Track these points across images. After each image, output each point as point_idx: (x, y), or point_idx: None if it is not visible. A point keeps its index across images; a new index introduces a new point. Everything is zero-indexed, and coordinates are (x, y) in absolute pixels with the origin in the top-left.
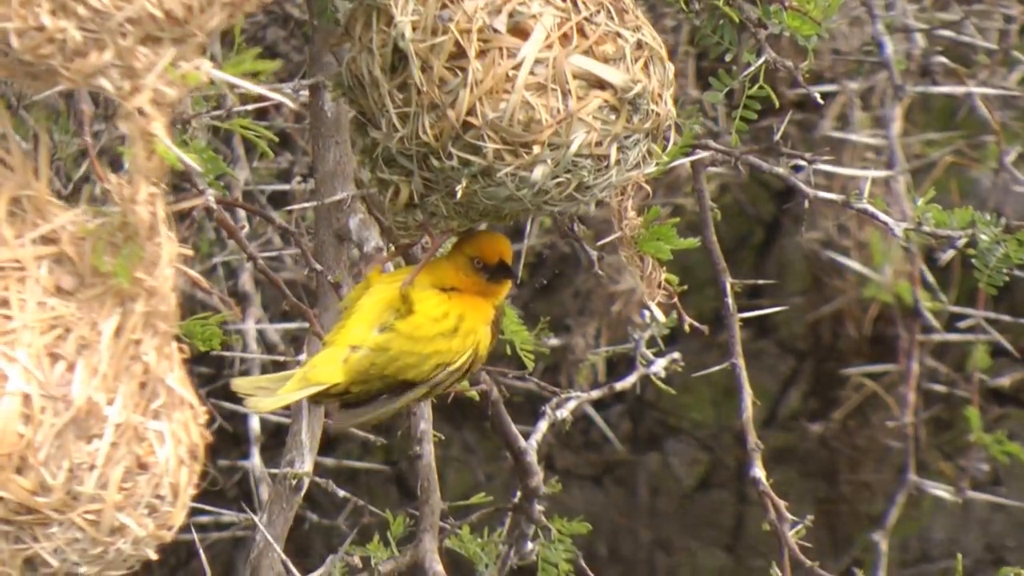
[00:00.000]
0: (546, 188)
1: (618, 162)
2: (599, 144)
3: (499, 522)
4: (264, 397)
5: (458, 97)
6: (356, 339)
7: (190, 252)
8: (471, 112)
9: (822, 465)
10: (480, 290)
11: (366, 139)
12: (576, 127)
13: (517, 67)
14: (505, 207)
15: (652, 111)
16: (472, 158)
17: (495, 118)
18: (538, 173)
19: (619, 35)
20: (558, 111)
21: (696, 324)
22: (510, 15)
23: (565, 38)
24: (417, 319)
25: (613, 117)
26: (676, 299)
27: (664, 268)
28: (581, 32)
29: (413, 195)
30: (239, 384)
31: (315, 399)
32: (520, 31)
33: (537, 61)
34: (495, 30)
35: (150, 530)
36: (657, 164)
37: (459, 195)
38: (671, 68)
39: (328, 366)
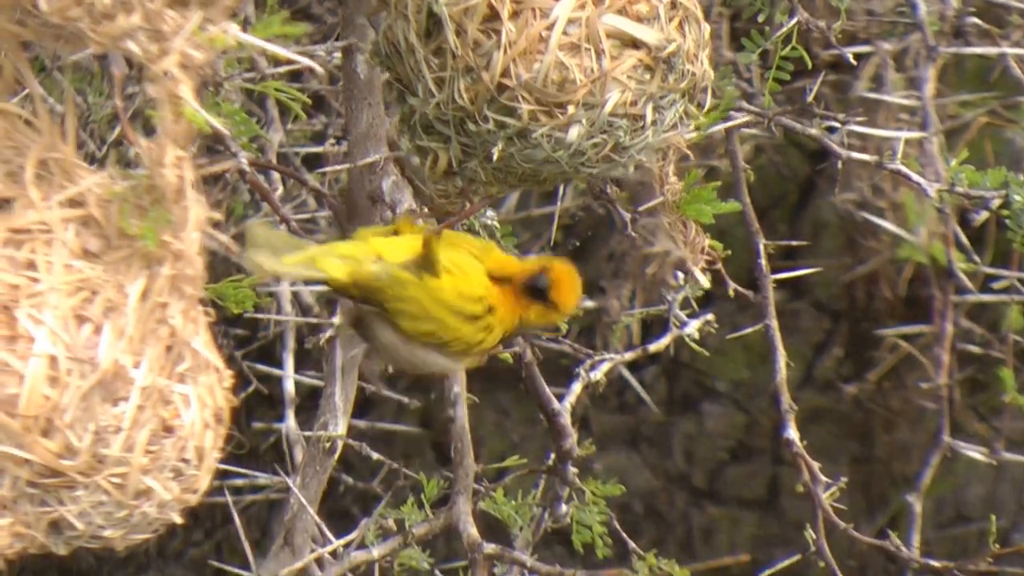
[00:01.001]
0: (582, 149)
1: (654, 122)
2: (634, 104)
3: (533, 484)
4: (266, 257)
5: (492, 59)
6: (384, 254)
7: (219, 216)
8: (505, 74)
9: (857, 426)
10: (523, 304)
11: (404, 106)
12: (610, 86)
13: (550, 27)
14: (543, 170)
15: (688, 70)
16: (508, 120)
17: (529, 79)
18: (573, 133)
19: None
20: (592, 70)
21: (740, 289)
22: None
23: None
24: (445, 286)
25: (648, 76)
26: (720, 264)
27: (706, 233)
28: None
29: (452, 162)
30: (253, 229)
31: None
32: None
33: (570, 21)
34: None
35: (175, 494)
36: (697, 128)
37: (495, 158)
38: (707, 28)
39: (339, 261)
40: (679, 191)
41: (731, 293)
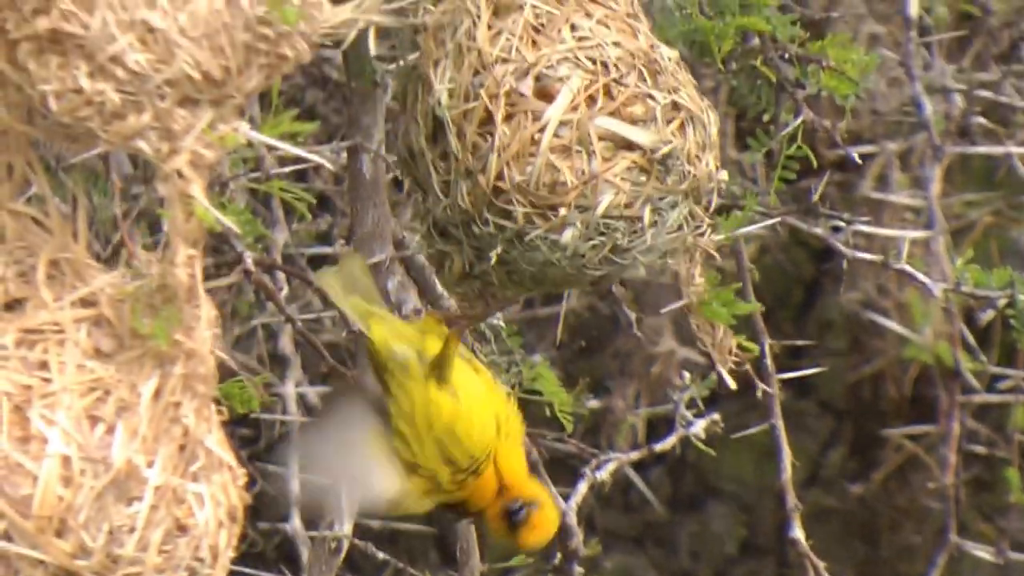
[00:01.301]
0: (580, 251)
1: (654, 223)
2: (628, 205)
3: None
4: (337, 287)
5: (488, 162)
6: (417, 346)
7: (217, 314)
8: (500, 176)
9: (862, 526)
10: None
11: (423, 210)
12: (603, 188)
13: (542, 130)
14: (548, 273)
15: (688, 171)
16: (504, 223)
17: (522, 181)
18: (568, 235)
19: (650, 96)
20: (583, 172)
21: (768, 389)
22: (536, 78)
23: (591, 100)
24: (444, 408)
25: (643, 178)
26: (748, 365)
27: (733, 334)
28: (608, 94)
29: (465, 265)
30: (351, 258)
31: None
32: (547, 94)
33: (562, 123)
34: (521, 94)
35: None
36: (727, 232)
37: (492, 260)
38: (713, 130)
39: (386, 331)
40: (703, 292)
41: (760, 394)
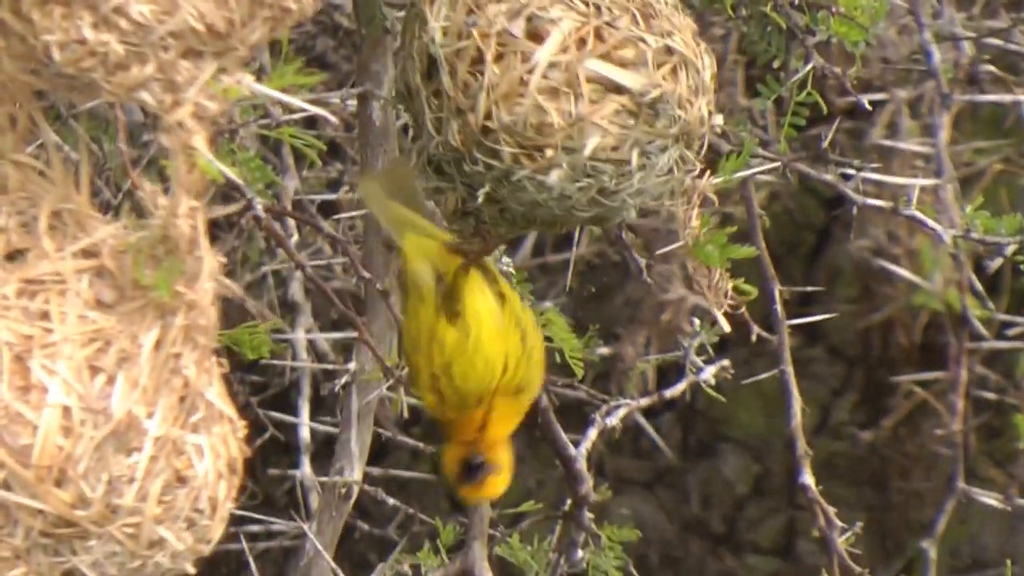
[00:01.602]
0: (568, 193)
1: (643, 167)
2: (616, 148)
3: (549, 530)
4: (377, 194)
5: (477, 101)
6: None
7: (224, 260)
8: (489, 116)
9: (872, 473)
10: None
11: (417, 146)
12: (590, 131)
13: (531, 71)
14: (537, 213)
15: (678, 116)
16: (493, 162)
17: (510, 121)
18: (554, 177)
19: (642, 40)
20: (570, 115)
21: (764, 334)
22: (527, 19)
23: (582, 42)
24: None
25: (632, 121)
26: (744, 309)
27: (730, 276)
28: (599, 36)
29: (459, 202)
30: (397, 165)
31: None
32: (537, 36)
33: (551, 65)
34: (512, 34)
35: (189, 544)
36: (726, 176)
37: (480, 199)
38: (708, 73)
39: (417, 247)
40: (699, 235)
41: (754, 339)
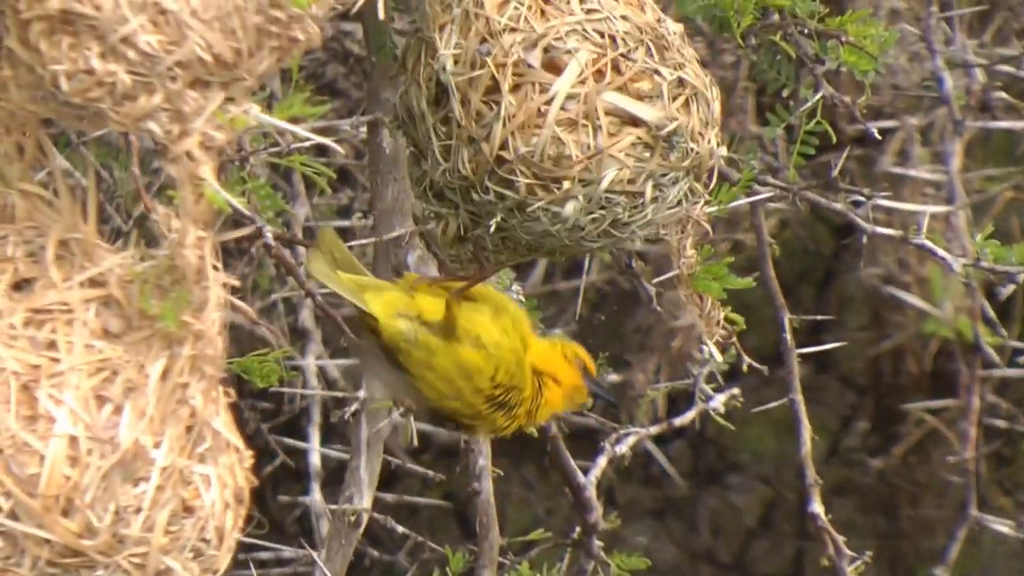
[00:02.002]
0: (580, 224)
1: (655, 199)
2: (632, 181)
3: (559, 558)
4: (323, 265)
5: (492, 131)
6: (425, 312)
7: (236, 282)
8: (504, 146)
9: (882, 500)
10: (566, 390)
11: (418, 172)
12: (607, 163)
13: (549, 102)
14: (546, 243)
15: (691, 149)
16: (506, 192)
17: (526, 152)
18: (569, 208)
19: (657, 72)
20: (588, 147)
21: (754, 363)
22: (545, 50)
23: (599, 74)
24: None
25: (647, 154)
26: (735, 338)
27: (722, 306)
28: (616, 68)
29: (460, 228)
30: (326, 233)
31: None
32: (554, 66)
33: (569, 97)
34: (529, 64)
35: (195, 574)
36: (719, 204)
37: (492, 229)
38: (716, 106)
39: (383, 305)
40: (694, 265)
41: (745, 368)
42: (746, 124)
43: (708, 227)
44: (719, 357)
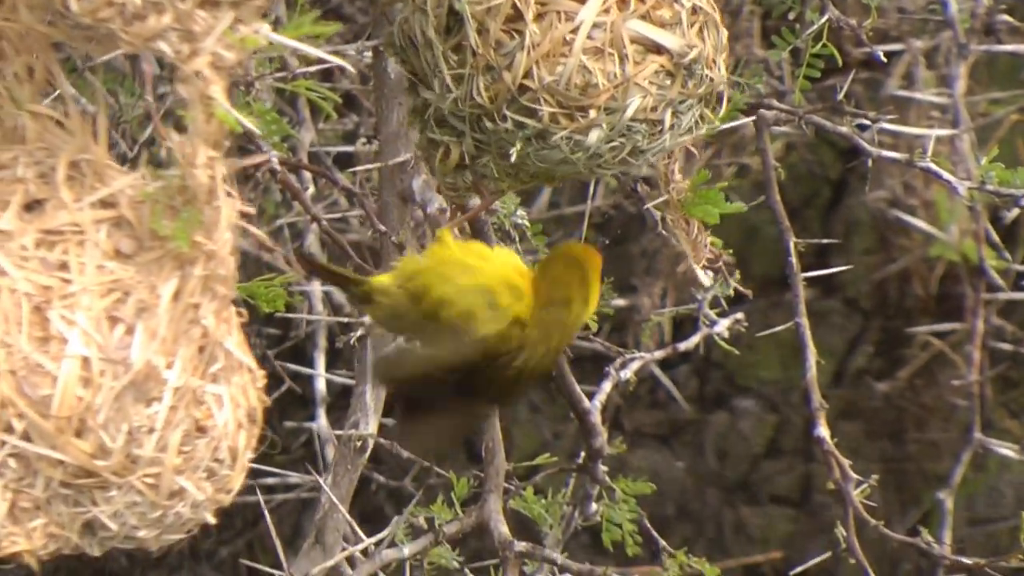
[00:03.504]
0: (600, 152)
1: (672, 127)
2: (654, 109)
3: (564, 483)
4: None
5: (515, 60)
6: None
7: (252, 210)
8: (527, 75)
9: (889, 424)
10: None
11: (417, 99)
12: (632, 92)
13: (575, 31)
14: (557, 170)
15: (706, 76)
16: (527, 121)
17: (552, 81)
18: (593, 137)
19: (676, 0)
20: (615, 76)
21: (741, 288)
22: None
23: (622, 2)
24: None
25: (668, 82)
26: (722, 263)
27: (709, 231)
28: None
29: (463, 156)
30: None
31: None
32: None
33: (595, 25)
34: None
35: (209, 494)
36: (705, 130)
37: (513, 157)
38: (724, 33)
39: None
40: (684, 190)
41: (732, 292)
42: (752, 48)
43: (696, 152)
44: (707, 281)
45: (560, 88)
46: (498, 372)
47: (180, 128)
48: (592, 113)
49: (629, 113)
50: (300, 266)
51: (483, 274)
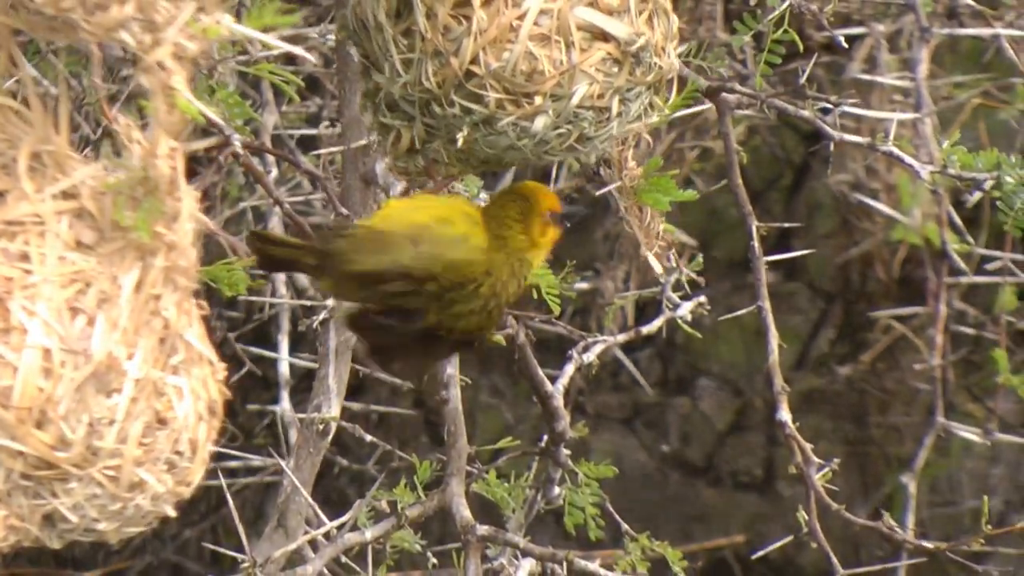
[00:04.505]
0: (547, 139)
1: (620, 114)
2: (601, 96)
3: (527, 466)
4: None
5: (461, 45)
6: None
7: (198, 196)
8: (474, 61)
9: (851, 407)
10: (548, 242)
11: (369, 83)
12: (579, 79)
13: (521, 17)
14: (506, 156)
15: (655, 64)
16: (474, 107)
17: (498, 68)
18: (539, 124)
19: None
20: (561, 63)
21: (694, 276)
22: None
23: None
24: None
25: (616, 70)
26: (674, 251)
27: (662, 217)
28: None
29: (415, 141)
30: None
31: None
32: None
33: (542, 12)
34: None
35: (169, 486)
36: (659, 115)
37: (460, 143)
38: (675, 20)
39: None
40: (637, 176)
41: (684, 280)
42: (715, 31)
43: (649, 140)
44: (659, 268)
45: (506, 74)
46: (467, 304)
47: (142, 114)
48: (538, 100)
49: (575, 100)
50: (255, 253)
51: (440, 207)
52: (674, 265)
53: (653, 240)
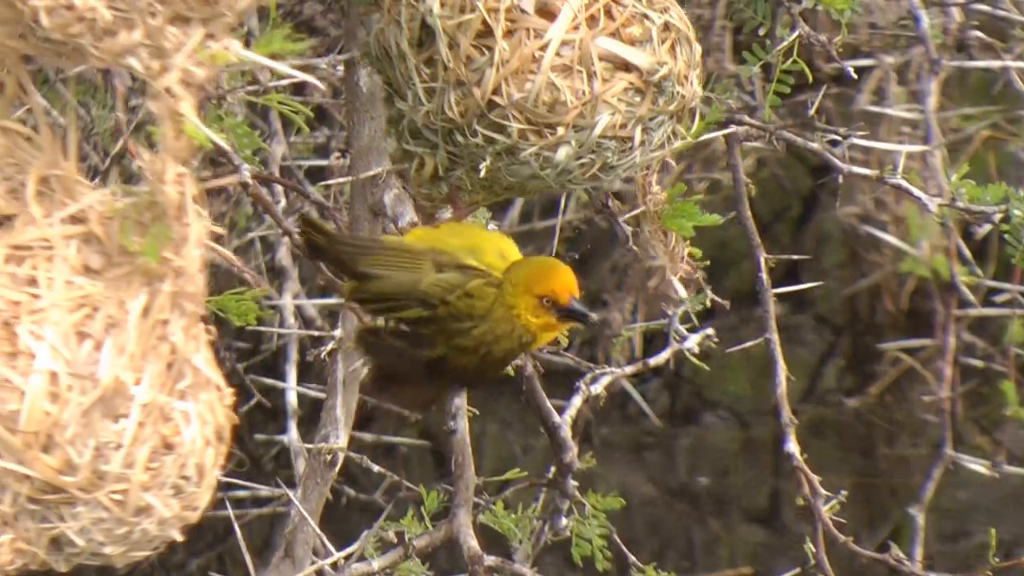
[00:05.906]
0: (569, 168)
1: (643, 143)
2: (624, 126)
3: (534, 497)
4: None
5: (484, 76)
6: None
7: (223, 231)
8: (496, 91)
9: (859, 439)
10: (544, 327)
11: (392, 110)
12: (601, 109)
13: (543, 48)
14: (529, 185)
15: (677, 93)
16: (497, 136)
17: (520, 98)
18: (562, 154)
19: (646, 16)
20: (583, 93)
21: (717, 299)
22: None
23: (592, 19)
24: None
25: (638, 99)
26: (699, 274)
27: (687, 242)
28: (608, 14)
29: (438, 168)
30: None
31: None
32: (547, 12)
33: (563, 43)
34: (522, 10)
35: (175, 511)
36: (679, 144)
37: (483, 172)
38: (698, 49)
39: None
40: (661, 202)
41: (707, 303)
42: (723, 63)
43: (674, 165)
44: (683, 293)
45: (529, 105)
46: (461, 346)
47: (151, 143)
48: (560, 130)
49: (598, 130)
50: (301, 236)
51: (476, 238)
52: (688, 294)
53: (678, 264)
